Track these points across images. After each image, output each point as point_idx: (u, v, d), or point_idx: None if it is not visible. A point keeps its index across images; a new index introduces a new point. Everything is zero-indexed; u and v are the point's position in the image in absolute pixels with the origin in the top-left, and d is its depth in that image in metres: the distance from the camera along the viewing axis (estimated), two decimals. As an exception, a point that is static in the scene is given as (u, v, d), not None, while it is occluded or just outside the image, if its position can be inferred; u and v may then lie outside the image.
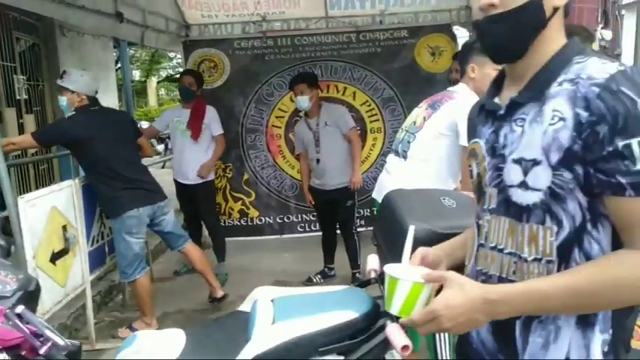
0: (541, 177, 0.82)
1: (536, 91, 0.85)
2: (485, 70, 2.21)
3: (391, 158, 2.51)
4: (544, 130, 0.82)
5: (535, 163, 0.83)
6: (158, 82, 20.01)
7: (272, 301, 1.44)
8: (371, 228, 4.39)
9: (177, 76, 9.73)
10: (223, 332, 1.43)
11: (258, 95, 4.57)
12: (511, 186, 0.86)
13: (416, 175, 2.24)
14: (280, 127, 4.62)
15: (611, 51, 13.34)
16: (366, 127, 4.61)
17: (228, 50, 4.54)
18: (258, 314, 1.38)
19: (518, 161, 0.85)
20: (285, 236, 4.77)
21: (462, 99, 2.22)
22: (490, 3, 0.84)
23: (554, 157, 0.80)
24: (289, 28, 4.86)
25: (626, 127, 0.74)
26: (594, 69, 0.80)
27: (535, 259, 0.85)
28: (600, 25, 2.38)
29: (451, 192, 1.83)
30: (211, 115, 3.90)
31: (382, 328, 1.32)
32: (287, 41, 4.55)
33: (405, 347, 1.23)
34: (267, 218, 4.74)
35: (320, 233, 4.07)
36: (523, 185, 0.84)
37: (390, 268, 0.94)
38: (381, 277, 1.47)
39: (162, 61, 17.75)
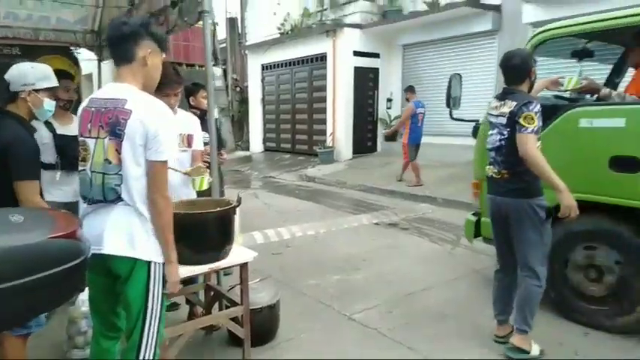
0: None
1: None
2: (155, 59, 1.92)
3: None
4: None
5: None
6: None
7: None
8: None
9: None
10: None
11: None
12: None
13: None
14: None
15: (241, 83, 16.00)
16: None
17: None
18: None
19: None
20: None
21: (145, 109, 1.80)
22: None
23: None
24: None
25: None
26: None
27: None
28: (212, 62, 2.96)
29: (20, 209, 1.89)
30: None
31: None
32: None
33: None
34: None
35: None
36: None
37: None
38: None
39: None
